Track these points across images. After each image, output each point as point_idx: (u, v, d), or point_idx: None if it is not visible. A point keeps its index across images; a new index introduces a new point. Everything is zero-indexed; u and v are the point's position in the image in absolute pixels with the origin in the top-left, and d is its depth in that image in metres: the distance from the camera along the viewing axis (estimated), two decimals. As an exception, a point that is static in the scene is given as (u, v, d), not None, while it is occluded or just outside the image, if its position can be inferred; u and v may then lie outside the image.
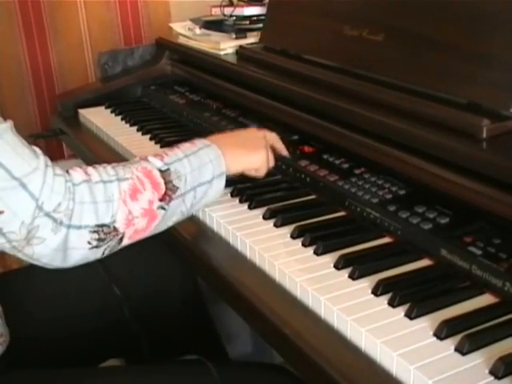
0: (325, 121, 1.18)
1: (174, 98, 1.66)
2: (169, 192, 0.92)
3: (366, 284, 0.83)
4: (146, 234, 0.93)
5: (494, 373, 0.67)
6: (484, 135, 0.93)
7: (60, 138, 1.80)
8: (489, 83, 0.98)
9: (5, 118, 0.83)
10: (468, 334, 0.71)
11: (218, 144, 1.02)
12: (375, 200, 0.99)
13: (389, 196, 1.00)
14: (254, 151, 1.06)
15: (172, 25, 1.90)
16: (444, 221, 0.91)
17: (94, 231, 0.84)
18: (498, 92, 0.97)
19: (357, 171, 1.09)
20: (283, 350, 0.83)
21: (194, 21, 1.83)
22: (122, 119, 1.61)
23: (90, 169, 0.89)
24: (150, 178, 0.91)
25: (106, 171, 0.89)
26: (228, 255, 0.98)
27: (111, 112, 1.68)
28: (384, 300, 0.79)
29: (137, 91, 1.80)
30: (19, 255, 0.84)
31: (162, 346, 1.24)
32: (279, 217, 1.01)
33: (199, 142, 1.01)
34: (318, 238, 0.93)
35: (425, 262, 0.88)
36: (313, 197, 1.10)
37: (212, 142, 1.02)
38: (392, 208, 0.96)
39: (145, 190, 0.89)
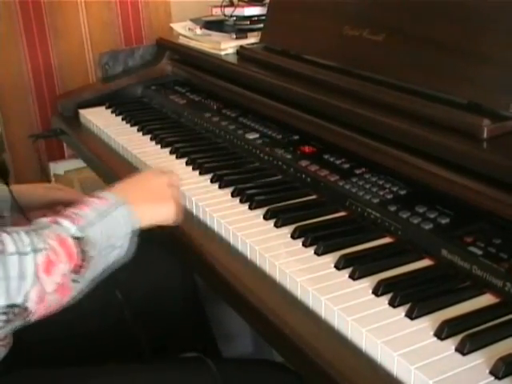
0: (325, 121, 1.18)
1: (175, 98, 1.66)
2: (83, 263, 0.83)
3: (367, 284, 0.83)
4: (57, 308, 0.83)
5: (495, 373, 0.67)
6: (484, 135, 0.93)
7: (60, 138, 1.80)
8: (489, 83, 0.98)
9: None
10: (468, 334, 0.71)
11: (128, 199, 0.93)
12: (376, 200, 0.99)
13: (389, 196, 1.00)
14: (163, 202, 0.99)
15: (172, 25, 1.90)
16: (445, 221, 0.91)
17: (3, 313, 0.74)
18: (498, 92, 0.97)
19: (357, 171, 1.09)
20: (283, 350, 0.83)
21: (195, 21, 1.83)
22: (122, 119, 1.61)
23: (4, 235, 0.77)
24: (64, 248, 0.80)
25: (21, 239, 0.78)
26: (228, 255, 0.98)
27: (112, 112, 1.68)
28: (385, 300, 0.79)
29: (137, 91, 1.80)
30: None
31: (162, 345, 1.24)
32: (280, 217, 1.01)
33: (110, 198, 0.91)
34: (319, 238, 0.93)
35: (425, 262, 0.88)
36: (313, 197, 1.10)
37: (120, 194, 0.93)
38: (393, 208, 0.96)
39: (59, 262, 0.79)
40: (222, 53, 1.60)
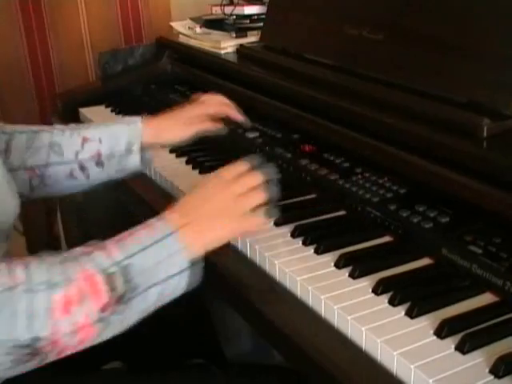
0: (325, 120, 1.18)
1: (175, 96, 1.66)
2: (112, 301, 0.74)
3: (367, 283, 0.83)
4: (73, 351, 0.75)
5: (495, 372, 0.67)
6: (484, 134, 0.93)
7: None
8: (489, 82, 0.98)
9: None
10: (468, 333, 0.71)
11: (182, 223, 0.81)
12: (376, 199, 0.99)
13: (389, 195, 1.00)
14: (224, 224, 0.85)
15: (172, 24, 1.89)
16: (444, 220, 0.91)
17: (9, 353, 0.69)
18: (498, 91, 0.97)
19: (357, 170, 1.09)
20: (283, 350, 0.83)
21: (195, 20, 1.83)
22: (122, 118, 1.61)
23: (17, 268, 0.71)
24: (89, 285, 0.72)
25: (39, 273, 0.72)
26: (228, 254, 0.98)
27: (111, 111, 1.68)
28: (384, 299, 0.79)
29: (137, 90, 1.80)
30: None
31: (165, 350, 1.23)
32: (280, 216, 1.01)
33: (160, 226, 0.81)
34: (319, 237, 0.93)
35: (425, 261, 0.88)
36: (313, 195, 1.10)
37: (174, 218, 0.83)
38: (392, 207, 0.96)
39: (82, 301, 0.72)
40: (222, 51, 1.60)
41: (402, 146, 1.01)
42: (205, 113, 1.18)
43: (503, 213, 0.85)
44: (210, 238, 0.83)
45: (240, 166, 0.88)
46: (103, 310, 0.73)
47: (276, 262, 0.89)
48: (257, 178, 0.87)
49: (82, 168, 1.09)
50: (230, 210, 0.85)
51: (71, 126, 1.14)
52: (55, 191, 1.12)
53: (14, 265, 0.71)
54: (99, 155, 1.09)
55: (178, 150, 1.33)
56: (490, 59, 0.99)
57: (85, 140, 1.09)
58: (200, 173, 1.22)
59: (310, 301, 0.83)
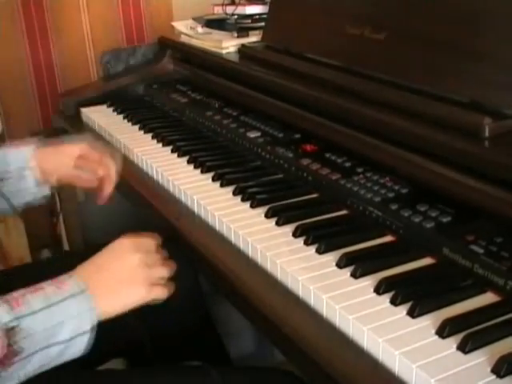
0: (327, 119, 1.18)
1: (176, 96, 1.66)
2: (9, 355, 0.73)
3: (368, 282, 0.83)
4: None
5: (496, 371, 0.67)
6: (486, 134, 0.93)
7: (62, 136, 1.80)
8: (491, 82, 0.98)
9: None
10: (470, 333, 0.71)
11: (90, 285, 0.83)
12: (377, 198, 0.99)
13: (391, 194, 1.00)
14: (131, 288, 0.88)
15: (174, 24, 1.90)
16: (446, 219, 0.91)
17: None
18: (499, 91, 0.97)
19: (359, 170, 1.09)
20: (285, 349, 0.83)
21: (196, 19, 1.83)
22: (124, 118, 1.61)
23: None
24: None
25: None
26: (230, 254, 0.98)
27: (113, 111, 1.68)
28: (386, 298, 0.79)
29: (139, 90, 1.80)
30: None
31: (165, 350, 1.23)
32: (281, 215, 1.01)
33: (70, 285, 0.82)
34: (320, 237, 0.93)
35: (427, 261, 0.88)
36: (315, 195, 1.10)
37: (83, 279, 0.84)
38: (394, 206, 0.96)
39: None
40: (224, 51, 1.60)
41: (404, 145, 1.01)
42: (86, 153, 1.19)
43: (505, 212, 0.85)
44: (118, 301, 0.86)
45: (150, 240, 0.94)
46: (1, 362, 0.73)
47: (277, 261, 0.89)
48: (163, 255, 0.94)
49: None
50: (136, 274, 0.88)
51: None
52: None
53: None
54: None
55: (180, 150, 1.33)
56: (492, 59, 0.99)
57: None
58: (201, 172, 1.22)
59: (312, 300, 0.83)
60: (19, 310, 0.76)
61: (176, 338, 1.27)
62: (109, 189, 1.17)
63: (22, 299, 0.77)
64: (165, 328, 1.26)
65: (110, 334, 1.18)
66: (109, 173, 1.17)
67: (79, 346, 0.82)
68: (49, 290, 0.80)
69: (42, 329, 0.76)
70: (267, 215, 1.03)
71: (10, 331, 0.73)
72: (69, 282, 0.82)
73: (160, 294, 0.90)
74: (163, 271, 0.92)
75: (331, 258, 0.89)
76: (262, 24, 1.61)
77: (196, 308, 1.34)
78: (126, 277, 0.88)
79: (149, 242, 0.93)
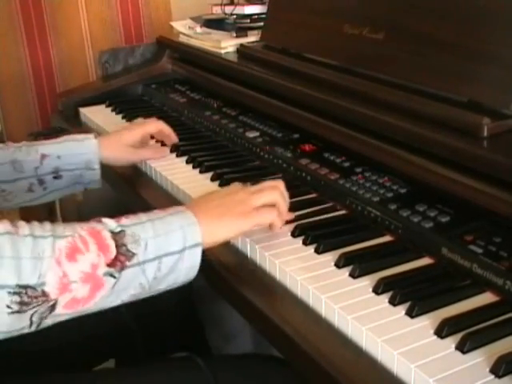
0: (325, 119, 1.18)
1: (175, 96, 1.66)
2: (121, 257, 0.77)
3: (367, 282, 0.83)
4: (89, 306, 0.77)
5: (495, 371, 0.67)
6: (485, 133, 0.93)
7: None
8: (489, 81, 0.98)
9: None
10: (469, 333, 0.71)
11: (194, 210, 0.86)
12: (376, 198, 0.99)
13: (390, 194, 1.00)
14: (234, 219, 0.89)
15: (173, 23, 1.90)
16: (445, 219, 0.91)
17: (15, 293, 0.70)
18: (498, 90, 0.97)
19: (358, 169, 1.09)
20: (284, 349, 0.83)
21: (195, 19, 1.83)
22: (122, 118, 1.62)
23: (21, 222, 0.75)
24: (96, 239, 0.76)
25: (42, 226, 0.75)
26: (229, 254, 0.98)
27: (112, 110, 1.68)
28: (385, 298, 0.79)
29: (137, 90, 1.80)
30: None
31: (156, 345, 1.23)
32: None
33: (171, 209, 0.86)
34: (319, 237, 0.93)
35: (425, 261, 0.88)
36: (313, 195, 1.10)
37: (187, 208, 0.87)
38: (393, 206, 0.96)
39: (87, 251, 0.74)
40: (222, 51, 1.60)
41: (403, 145, 1.01)
42: (148, 132, 1.31)
43: (503, 212, 0.85)
44: (218, 228, 0.87)
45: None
46: (111, 264, 0.76)
47: (276, 261, 0.89)
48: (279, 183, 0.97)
49: (41, 182, 1.16)
50: (245, 207, 0.90)
51: (24, 142, 1.19)
52: (11, 205, 1.18)
53: (17, 221, 0.75)
54: (58, 170, 1.16)
55: (178, 150, 1.33)
56: (490, 59, 0.99)
57: (43, 157, 1.16)
58: (200, 172, 1.22)
59: (311, 300, 0.83)
60: (124, 222, 0.80)
61: (167, 334, 1.28)
62: (171, 137, 1.33)
63: (124, 218, 0.81)
64: (156, 326, 1.26)
65: (106, 331, 1.18)
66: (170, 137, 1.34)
67: (193, 259, 0.83)
68: (152, 212, 0.84)
69: (151, 235, 0.80)
70: (266, 215, 1.03)
71: (116, 235, 0.78)
72: (172, 208, 0.87)
73: (264, 217, 0.92)
74: (267, 196, 0.93)
75: (330, 257, 0.89)
76: (261, 24, 1.62)
77: (187, 307, 1.35)
78: (233, 208, 0.89)
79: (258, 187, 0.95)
